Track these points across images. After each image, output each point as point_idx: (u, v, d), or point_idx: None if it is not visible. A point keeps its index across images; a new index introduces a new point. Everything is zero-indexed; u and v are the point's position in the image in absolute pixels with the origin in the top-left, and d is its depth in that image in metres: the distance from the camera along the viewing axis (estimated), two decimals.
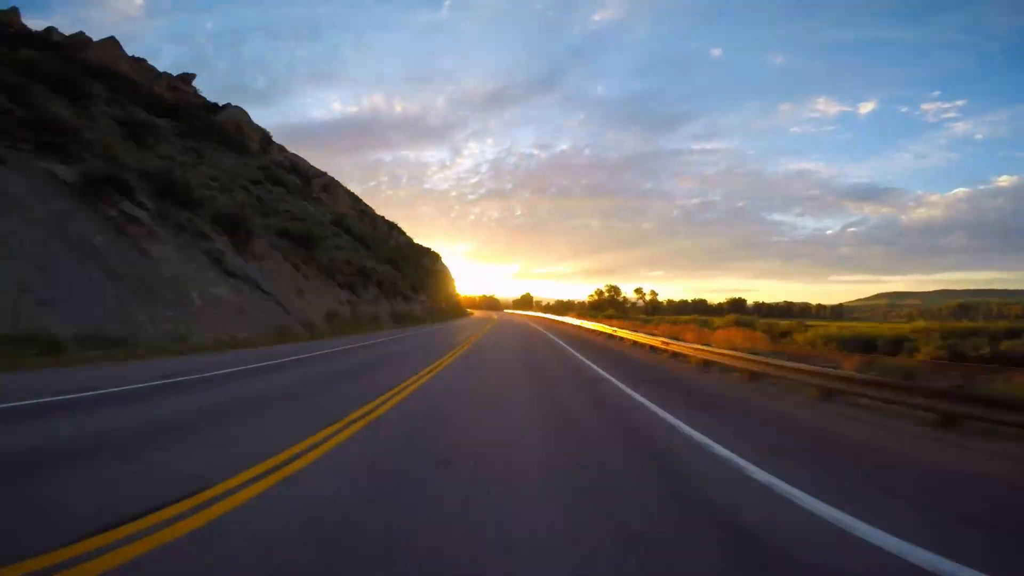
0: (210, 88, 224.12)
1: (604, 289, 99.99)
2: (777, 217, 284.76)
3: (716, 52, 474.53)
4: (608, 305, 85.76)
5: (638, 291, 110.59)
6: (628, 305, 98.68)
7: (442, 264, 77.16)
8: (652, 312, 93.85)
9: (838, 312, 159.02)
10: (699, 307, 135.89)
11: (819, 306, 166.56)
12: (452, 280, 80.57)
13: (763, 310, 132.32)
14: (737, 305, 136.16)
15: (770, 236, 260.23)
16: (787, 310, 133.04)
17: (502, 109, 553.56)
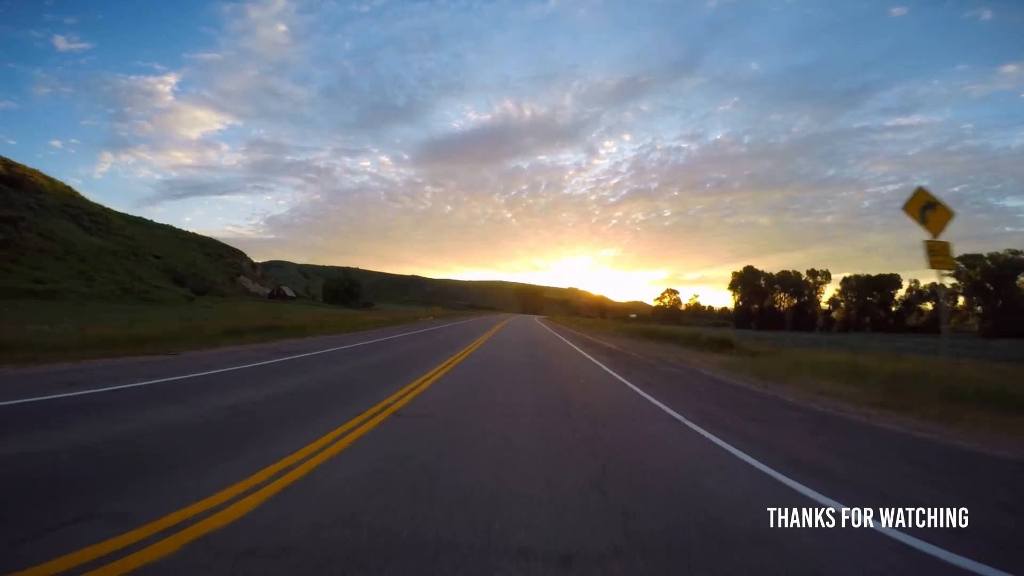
0: (358, 109, 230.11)
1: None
2: (1011, 203, 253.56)
3: (897, 12, 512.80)
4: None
5: None
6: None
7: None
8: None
9: None
10: None
11: None
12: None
13: None
14: None
15: (1000, 226, 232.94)
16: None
17: (637, 100, 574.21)
